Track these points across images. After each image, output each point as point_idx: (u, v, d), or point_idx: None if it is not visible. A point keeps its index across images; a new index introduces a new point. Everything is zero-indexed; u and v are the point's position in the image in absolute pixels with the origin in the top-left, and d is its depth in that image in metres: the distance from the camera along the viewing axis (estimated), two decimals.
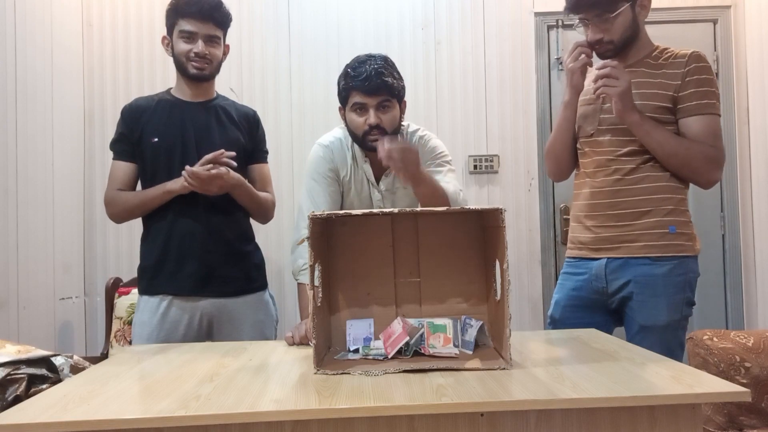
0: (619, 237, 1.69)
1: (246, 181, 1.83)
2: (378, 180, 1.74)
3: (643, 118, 1.62)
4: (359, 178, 1.74)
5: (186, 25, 1.77)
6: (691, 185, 1.73)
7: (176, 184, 1.74)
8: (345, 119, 1.69)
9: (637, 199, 1.67)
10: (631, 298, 1.67)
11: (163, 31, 1.86)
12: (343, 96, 1.66)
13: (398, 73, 1.66)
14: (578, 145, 1.81)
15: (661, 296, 1.63)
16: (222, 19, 1.82)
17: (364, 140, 1.64)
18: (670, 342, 1.62)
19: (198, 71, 1.80)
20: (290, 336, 1.49)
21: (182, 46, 1.79)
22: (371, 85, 1.58)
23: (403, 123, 1.73)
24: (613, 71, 1.60)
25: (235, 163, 1.75)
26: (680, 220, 1.67)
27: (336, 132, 1.78)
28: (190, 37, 1.78)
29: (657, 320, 1.63)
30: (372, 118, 1.60)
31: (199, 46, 1.77)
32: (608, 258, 1.71)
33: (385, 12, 3.17)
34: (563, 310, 1.80)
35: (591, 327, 1.65)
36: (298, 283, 1.70)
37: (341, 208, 1.75)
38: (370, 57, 1.63)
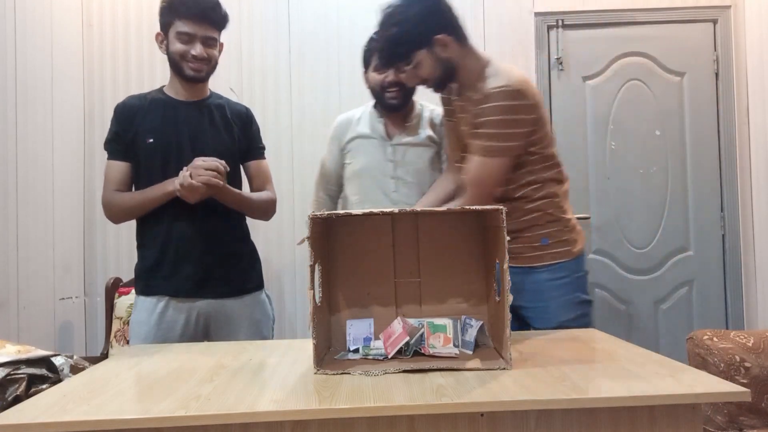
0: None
1: (227, 185, 1.75)
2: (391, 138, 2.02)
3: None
4: (375, 141, 2.01)
5: (183, 27, 1.74)
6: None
7: (174, 186, 1.70)
8: (367, 80, 2.01)
9: (516, 220, 1.68)
10: (521, 305, 1.71)
11: None
12: (366, 58, 1.99)
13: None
14: None
15: (547, 300, 1.68)
16: (219, 21, 1.79)
17: (382, 96, 1.96)
18: None
19: (195, 73, 1.78)
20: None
21: (179, 46, 1.76)
22: (383, 60, 1.79)
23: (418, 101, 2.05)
24: None
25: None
26: (552, 230, 1.68)
27: (355, 111, 2.10)
28: (187, 39, 1.75)
29: (547, 323, 1.66)
30: (391, 76, 1.90)
31: (198, 48, 1.75)
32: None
33: None
34: None
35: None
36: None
37: (353, 172, 2.04)
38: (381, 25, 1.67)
